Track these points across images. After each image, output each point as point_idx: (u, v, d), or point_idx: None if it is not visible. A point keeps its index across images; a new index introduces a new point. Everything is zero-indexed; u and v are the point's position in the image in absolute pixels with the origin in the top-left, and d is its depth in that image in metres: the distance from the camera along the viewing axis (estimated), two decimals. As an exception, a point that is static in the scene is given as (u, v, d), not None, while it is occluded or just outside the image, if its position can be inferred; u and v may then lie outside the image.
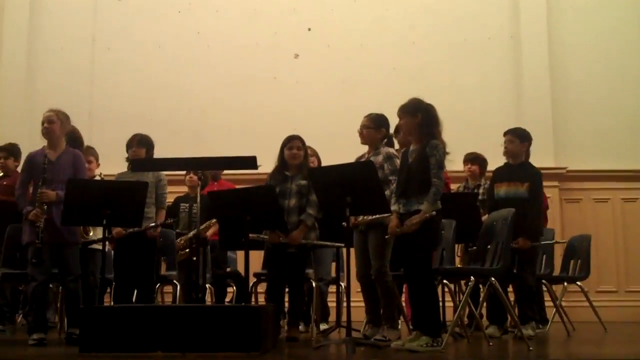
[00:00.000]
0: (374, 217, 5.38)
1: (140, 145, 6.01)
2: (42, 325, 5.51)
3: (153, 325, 4.58)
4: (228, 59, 9.43)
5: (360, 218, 5.49)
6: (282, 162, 5.86)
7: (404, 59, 9.37)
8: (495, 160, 6.76)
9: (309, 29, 9.50)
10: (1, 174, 7.13)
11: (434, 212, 4.79)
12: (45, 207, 5.40)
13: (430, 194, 4.78)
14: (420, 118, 4.94)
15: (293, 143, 5.83)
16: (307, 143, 6.50)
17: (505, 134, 6.29)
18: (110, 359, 4.33)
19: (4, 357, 4.82)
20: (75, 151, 5.71)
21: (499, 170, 6.35)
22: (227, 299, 7.34)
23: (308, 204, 5.71)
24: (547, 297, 6.79)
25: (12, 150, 7.21)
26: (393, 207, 5.01)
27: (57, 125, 5.58)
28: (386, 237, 5.09)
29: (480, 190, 6.87)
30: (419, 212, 4.77)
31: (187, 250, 6.47)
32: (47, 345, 5.35)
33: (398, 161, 5.45)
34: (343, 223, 5.12)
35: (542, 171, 6.37)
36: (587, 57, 9.43)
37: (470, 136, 8.06)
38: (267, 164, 5.88)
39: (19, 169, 7.12)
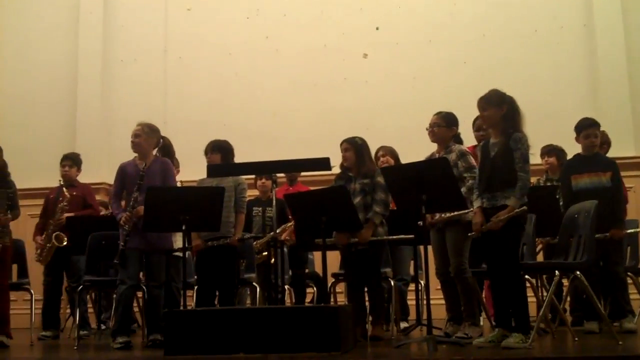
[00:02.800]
0: (451, 214, 5.33)
1: (214, 151, 6.13)
2: (127, 329, 5.67)
3: (235, 327, 4.64)
4: (297, 61, 9.49)
5: (437, 216, 5.45)
6: (342, 165, 5.95)
7: (475, 52, 9.25)
8: (573, 151, 6.62)
9: (377, 28, 9.48)
10: (62, 181, 7.29)
11: (524, 207, 4.70)
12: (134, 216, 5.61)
13: (517, 188, 4.71)
14: (506, 110, 4.88)
15: (341, 147, 5.92)
16: (379, 142, 6.51)
17: (592, 126, 6.13)
18: None
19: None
20: (164, 160, 5.93)
21: (572, 162, 6.23)
22: (307, 300, 7.37)
23: (374, 201, 5.72)
24: (632, 290, 6.59)
25: (75, 159, 7.41)
26: (476, 203, 4.94)
27: (142, 139, 5.81)
28: (470, 234, 5.03)
29: None
30: (506, 207, 4.71)
31: (265, 253, 6.52)
32: (132, 349, 5.48)
33: (471, 158, 5.40)
34: (419, 222, 5.09)
35: (623, 161, 6.24)
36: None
37: (545, 128, 7.87)
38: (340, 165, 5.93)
39: (79, 179, 7.35)
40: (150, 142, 5.89)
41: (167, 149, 6.23)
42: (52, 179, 9.21)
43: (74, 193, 7.13)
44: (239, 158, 6.24)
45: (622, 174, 6.27)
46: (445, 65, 9.28)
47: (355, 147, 5.88)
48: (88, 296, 7.26)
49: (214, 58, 9.67)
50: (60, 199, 7.11)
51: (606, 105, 8.75)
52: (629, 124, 8.81)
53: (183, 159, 7.16)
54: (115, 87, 9.81)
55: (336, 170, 5.89)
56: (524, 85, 8.62)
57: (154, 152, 5.97)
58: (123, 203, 5.84)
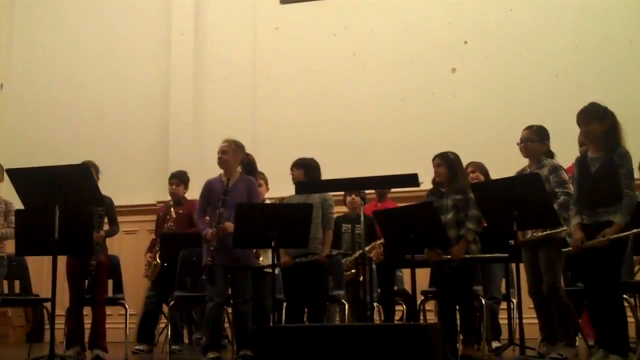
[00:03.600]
0: (544, 233, 5.20)
1: (297, 167, 6.17)
2: (217, 345, 5.75)
3: (324, 344, 4.62)
4: (385, 77, 9.44)
5: (529, 234, 5.32)
6: (434, 180, 5.89)
7: (566, 64, 9.01)
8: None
9: (465, 42, 9.37)
10: (171, 200, 7.49)
11: None
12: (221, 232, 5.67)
13: (625, 206, 4.59)
14: (608, 124, 4.74)
15: (433, 162, 5.86)
16: (468, 157, 6.41)
17: None
18: None
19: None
20: (249, 178, 6.02)
21: None
22: (396, 318, 7.31)
23: (467, 218, 5.64)
24: None
25: (182, 177, 7.58)
26: (574, 219, 4.81)
27: (229, 155, 5.91)
28: (565, 250, 4.88)
29: None
30: (609, 224, 4.57)
31: (353, 270, 6.50)
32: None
33: (564, 173, 5.27)
34: (510, 241, 4.99)
35: None
36: None
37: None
38: (427, 180, 5.85)
39: (187, 196, 7.50)
40: (237, 158, 6.00)
41: (250, 166, 6.32)
42: (146, 196, 9.56)
43: (180, 211, 7.30)
44: (328, 174, 6.27)
45: None
46: (536, 78, 9.06)
47: (447, 162, 5.82)
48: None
49: (302, 75, 9.73)
50: (168, 217, 7.31)
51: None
52: None
53: (271, 176, 7.24)
54: (205, 105, 9.99)
55: (427, 185, 5.83)
56: (619, 98, 8.22)
57: (239, 168, 6.06)
58: (207, 219, 5.94)
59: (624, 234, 4.56)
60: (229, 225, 5.64)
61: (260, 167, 6.83)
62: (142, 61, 10.23)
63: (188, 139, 9.83)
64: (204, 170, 8.28)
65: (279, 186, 7.07)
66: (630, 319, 5.77)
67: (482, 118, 9.03)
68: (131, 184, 9.64)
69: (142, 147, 10.01)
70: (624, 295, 5.26)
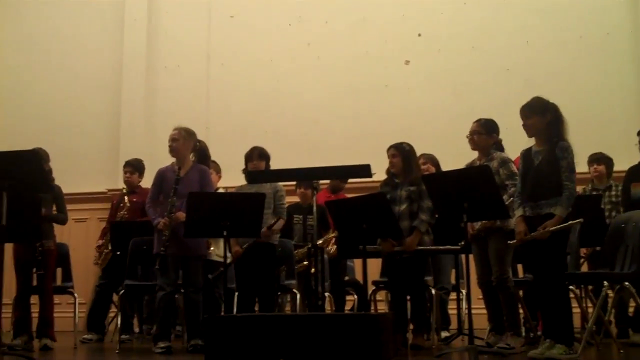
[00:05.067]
0: (493, 223, 5.27)
1: (260, 158, 6.16)
2: (167, 334, 5.71)
3: (275, 333, 4.64)
4: (339, 68, 9.46)
5: (478, 225, 5.39)
6: (388, 171, 5.93)
7: (518, 59, 9.12)
8: (620, 159, 6.51)
9: (419, 35, 9.42)
10: (125, 189, 7.43)
11: (580, 220, 4.64)
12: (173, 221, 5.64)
13: (564, 198, 4.66)
14: (550, 118, 4.82)
15: (388, 152, 5.91)
16: (420, 149, 6.45)
17: None
18: None
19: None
20: (202, 167, 5.97)
21: (636, 168, 6.10)
22: (347, 307, 7.34)
23: (420, 209, 5.70)
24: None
25: (137, 165, 7.50)
26: (518, 212, 4.88)
27: (180, 143, 5.86)
28: (510, 242, 4.96)
29: (613, 192, 6.61)
30: (550, 216, 4.65)
31: (306, 262, 6.51)
32: (173, 353, 5.51)
33: (513, 166, 5.34)
34: (461, 243, 5.05)
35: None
36: None
37: (591, 136, 7.76)
38: (381, 172, 5.90)
39: (141, 184, 7.43)
40: (188, 146, 5.96)
41: (202, 153, 6.27)
42: (97, 184, 9.45)
43: (135, 200, 7.22)
44: (280, 165, 6.25)
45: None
46: (488, 72, 9.17)
47: (402, 153, 5.86)
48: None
49: (256, 65, 9.68)
50: (121, 205, 7.23)
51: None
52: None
53: (225, 165, 7.21)
54: (158, 93, 9.89)
55: (379, 177, 5.87)
56: (569, 93, 8.47)
57: (191, 156, 6.02)
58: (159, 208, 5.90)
59: (563, 225, 4.64)
60: (181, 215, 5.61)
61: (214, 156, 6.80)
62: (94, 47, 10.08)
63: (140, 126, 9.73)
64: (156, 158, 8.22)
65: (232, 175, 7.04)
66: (577, 310, 5.90)
67: (434, 110, 9.10)
68: (82, 171, 9.53)
69: (93, 135, 9.88)
70: (571, 287, 5.37)
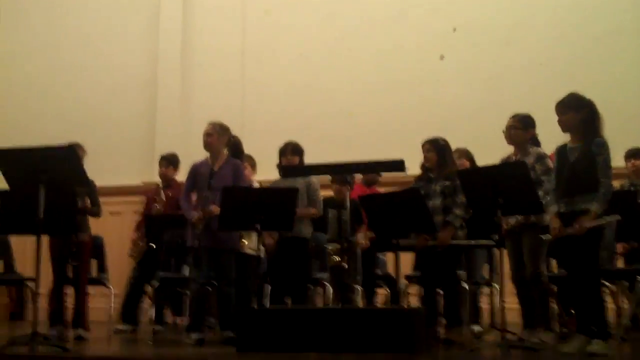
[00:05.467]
0: (527, 218, 5.24)
1: (294, 153, 6.20)
2: (200, 326, 5.77)
3: (307, 326, 4.67)
4: (373, 63, 9.42)
5: (513, 221, 5.36)
6: (423, 165, 5.93)
7: (552, 53, 9.01)
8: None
9: (454, 29, 9.37)
10: (161, 183, 7.50)
11: (617, 216, 4.64)
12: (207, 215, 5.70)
13: (600, 194, 4.63)
14: (585, 114, 4.78)
15: (423, 147, 5.89)
16: (455, 144, 6.43)
17: None
18: (266, 359, 4.39)
19: (166, 356, 5.09)
20: (236, 161, 6.03)
21: None
22: (379, 301, 7.34)
23: (454, 204, 5.68)
24: None
25: (172, 160, 7.56)
26: (552, 208, 4.86)
27: (214, 138, 5.93)
28: (544, 237, 4.93)
29: None
30: (586, 212, 4.62)
31: (338, 258, 6.51)
32: (205, 345, 5.57)
33: (549, 161, 5.30)
34: (495, 235, 5.03)
35: None
36: None
37: (627, 131, 7.65)
38: (415, 166, 5.90)
39: (176, 178, 7.50)
40: (222, 140, 6.01)
41: (236, 147, 6.32)
42: (132, 177, 9.55)
43: (170, 194, 7.28)
44: (314, 159, 6.27)
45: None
46: (523, 66, 9.09)
47: (437, 147, 5.85)
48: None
49: (291, 60, 9.70)
50: (157, 199, 7.31)
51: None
52: None
53: (260, 160, 7.24)
54: (193, 90, 9.97)
55: (414, 172, 5.86)
56: (604, 86, 8.36)
57: (225, 151, 6.06)
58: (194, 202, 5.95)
59: (599, 221, 4.60)
60: (215, 209, 5.65)
61: (248, 150, 6.84)
62: (130, 44, 10.20)
63: (175, 121, 9.82)
64: (191, 152, 8.28)
65: (267, 170, 7.07)
66: (612, 306, 5.86)
67: (469, 105, 9.03)
68: (117, 165, 9.66)
69: (129, 130, 10.00)
70: (606, 283, 5.33)
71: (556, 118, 4.96)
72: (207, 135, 5.97)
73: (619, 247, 6.22)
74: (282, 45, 9.78)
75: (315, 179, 6.23)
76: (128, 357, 5.00)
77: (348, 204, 5.77)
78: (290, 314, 4.89)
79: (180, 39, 10.01)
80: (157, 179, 7.85)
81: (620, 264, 6.29)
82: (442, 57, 9.36)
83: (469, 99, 9.07)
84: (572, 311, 5.60)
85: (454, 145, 6.43)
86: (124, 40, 10.24)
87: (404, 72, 9.32)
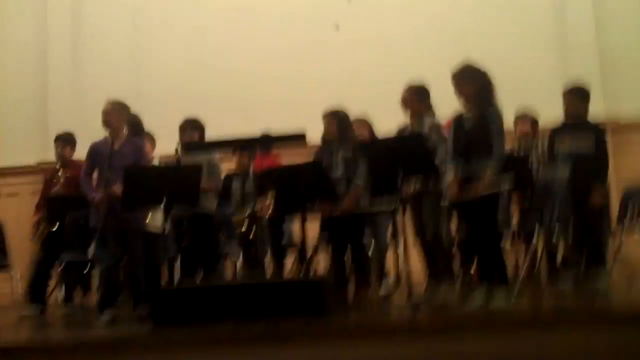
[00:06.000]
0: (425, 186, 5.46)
1: (194, 129, 6.18)
2: (111, 305, 5.74)
3: (220, 302, 4.73)
4: (269, 33, 9.43)
5: (412, 188, 5.56)
6: (325, 137, 6.06)
7: (447, 21, 9.25)
8: (544, 116, 6.75)
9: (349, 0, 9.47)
10: (59, 164, 7.31)
11: (507, 180, 4.85)
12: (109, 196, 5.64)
13: (494, 160, 4.84)
14: (480, 84, 4.95)
15: (323, 119, 6.01)
16: (353, 112, 6.56)
17: (565, 94, 6.13)
18: (182, 334, 4.42)
19: (81, 336, 5.07)
20: (137, 140, 5.98)
21: (559, 127, 6.22)
22: (287, 269, 7.45)
23: (356, 174, 5.82)
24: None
25: (68, 139, 7.37)
26: (450, 174, 5.04)
27: (113, 117, 5.81)
28: (443, 204, 5.15)
29: (539, 148, 6.83)
30: (483, 178, 4.82)
31: (244, 228, 6.59)
32: (118, 323, 5.53)
33: (444, 130, 5.51)
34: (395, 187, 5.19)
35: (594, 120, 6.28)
36: (634, 2, 9.22)
37: (516, 94, 7.93)
38: (316, 135, 6.03)
39: (74, 158, 7.34)
40: (121, 119, 5.92)
41: (136, 125, 6.24)
42: (26, 157, 9.28)
43: (68, 175, 7.10)
44: (216, 131, 6.28)
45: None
46: (418, 35, 9.28)
47: (338, 119, 5.96)
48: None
49: (186, 33, 9.59)
50: (55, 180, 7.12)
51: (575, 69, 8.79)
52: (597, 87, 8.86)
53: (158, 132, 7.16)
54: (86, 62, 9.73)
55: (314, 141, 5.96)
56: (494, 53, 8.63)
57: (124, 129, 5.99)
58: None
59: (493, 189, 4.83)
60: (117, 189, 5.59)
61: (147, 123, 6.75)
62: (17, 16, 9.83)
63: (68, 96, 9.57)
64: (87, 127, 8.15)
65: (166, 142, 7.03)
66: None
67: (367, 75, 9.17)
68: (10, 145, 9.34)
69: (20, 108, 9.67)
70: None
71: (452, 86, 5.13)
72: (106, 114, 5.87)
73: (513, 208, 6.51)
74: (176, 18, 9.64)
75: (216, 155, 6.23)
76: (42, 344, 4.87)
77: (251, 174, 5.82)
78: (202, 292, 4.94)
79: (70, 12, 9.71)
80: (52, 157, 7.65)
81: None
82: (337, 27, 9.44)
83: (366, 68, 9.21)
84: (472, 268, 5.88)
85: (353, 113, 6.57)
86: (8, 9, 9.84)
87: (300, 43, 9.36)
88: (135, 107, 6.71)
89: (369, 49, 9.29)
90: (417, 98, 5.66)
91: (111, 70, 9.52)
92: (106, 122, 5.86)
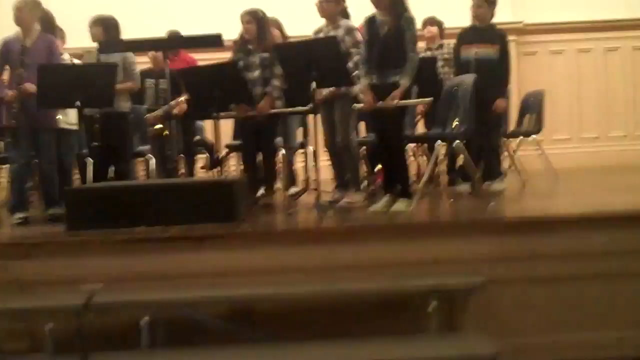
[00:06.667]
0: (339, 89, 5.60)
1: (96, 25, 6.08)
2: (24, 205, 5.77)
3: (135, 201, 4.82)
4: None
5: (325, 91, 5.70)
6: (242, 37, 6.05)
7: None
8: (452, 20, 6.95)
9: None
10: None
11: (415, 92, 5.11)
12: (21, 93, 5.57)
13: (408, 68, 4.95)
14: None
15: (241, 19, 6.00)
16: (270, 14, 6.58)
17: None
18: (96, 236, 4.49)
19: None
20: (49, 37, 5.86)
21: (465, 32, 6.40)
22: (199, 166, 7.57)
23: (273, 75, 5.92)
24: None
25: None
26: (364, 80, 5.13)
27: (25, 12, 5.66)
28: (356, 106, 5.30)
29: (445, 51, 7.05)
30: (395, 84, 4.95)
31: (159, 126, 6.62)
32: (30, 223, 5.58)
33: (358, 34, 5.60)
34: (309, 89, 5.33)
35: (500, 25, 6.49)
36: None
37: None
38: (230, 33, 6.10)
39: None
40: (33, 15, 5.77)
41: (48, 22, 6.11)
42: None
43: None
44: (133, 33, 6.22)
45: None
46: None
47: (257, 20, 5.98)
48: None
49: None
50: None
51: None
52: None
53: (69, 27, 7.01)
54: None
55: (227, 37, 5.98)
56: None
57: (37, 26, 5.87)
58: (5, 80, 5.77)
59: (408, 102, 5.06)
60: (30, 86, 5.53)
61: (58, 15, 6.58)
62: None
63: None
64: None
65: (77, 38, 6.91)
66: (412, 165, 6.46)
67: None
68: None
69: None
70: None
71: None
72: (18, 10, 5.70)
73: (419, 109, 6.77)
74: None
75: (131, 54, 6.19)
76: None
77: (167, 73, 5.83)
78: (117, 191, 5.02)
79: None
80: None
81: (420, 126, 6.88)
82: None
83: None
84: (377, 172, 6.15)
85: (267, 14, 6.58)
86: None
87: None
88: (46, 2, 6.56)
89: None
90: (333, 0, 5.70)
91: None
92: (18, 19, 5.70)
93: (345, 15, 5.87)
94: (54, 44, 5.84)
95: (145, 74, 6.93)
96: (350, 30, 5.66)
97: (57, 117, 6.00)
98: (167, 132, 6.33)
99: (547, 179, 7.23)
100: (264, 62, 5.95)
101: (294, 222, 5.23)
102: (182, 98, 6.67)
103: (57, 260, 4.30)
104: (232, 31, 6.22)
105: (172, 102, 6.38)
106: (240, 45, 6.08)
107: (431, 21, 7.22)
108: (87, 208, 4.83)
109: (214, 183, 5.28)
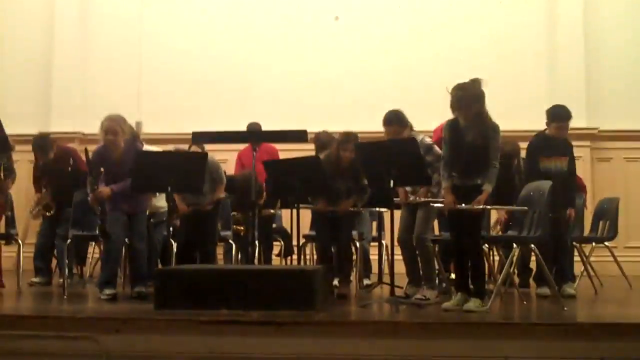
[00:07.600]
0: (426, 199, 5.83)
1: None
2: (113, 282, 6.03)
3: (220, 285, 5.05)
4: (269, 27, 9.79)
5: (411, 198, 5.94)
6: (337, 157, 6.27)
7: (441, 20, 9.64)
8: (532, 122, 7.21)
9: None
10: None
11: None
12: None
13: (491, 175, 5.16)
14: (482, 103, 5.19)
15: (347, 146, 6.21)
16: (347, 106, 6.90)
17: (568, 119, 6.46)
18: (182, 315, 4.69)
19: (88, 312, 5.38)
20: (135, 146, 6.11)
21: (539, 142, 6.56)
22: (275, 252, 7.78)
23: (359, 187, 6.25)
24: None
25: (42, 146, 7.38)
26: (446, 182, 5.28)
27: (120, 137, 5.96)
28: (437, 206, 5.57)
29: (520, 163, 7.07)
30: (476, 186, 5.16)
31: (242, 227, 7.01)
32: (118, 300, 5.80)
33: (437, 148, 5.82)
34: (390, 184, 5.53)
35: (575, 131, 6.81)
36: (622, 16, 9.61)
37: (503, 99, 8.23)
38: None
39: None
40: (124, 135, 6.02)
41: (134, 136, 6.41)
42: (30, 126, 9.45)
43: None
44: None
45: (573, 143, 6.73)
46: (413, 32, 9.64)
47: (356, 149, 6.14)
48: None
49: (191, 16, 9.92)
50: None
51: (561, 77, 9.33)
52: (581, 96, 9.24)
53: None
54: (91, 39, 9.97)
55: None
56: (485, 55, 9.09)
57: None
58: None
59: (501, 207, 5.52)
60: (105, 190, 5.85)
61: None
62: (24, 22, 10.06)
63: (72, 67, 9.83)
64: (87, 99, 8.41)
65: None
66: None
67: (363, 68, 9.49)
68: (12, 113, 9.52)
69: (24, 77, 9.94)
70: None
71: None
72: (114, 134, 5.92)
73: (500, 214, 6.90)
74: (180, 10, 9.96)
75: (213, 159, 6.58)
76: (46, 314, 5.16)
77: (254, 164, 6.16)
78: (203, 273, 5.29)
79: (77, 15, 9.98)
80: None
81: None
82: (337, 18, 9.75)
83: (364, 61, 9.52)
84: (452, 271, 6.27)
85: (346, 107, 6.84)
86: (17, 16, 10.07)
87: (299, 33, 9.71)
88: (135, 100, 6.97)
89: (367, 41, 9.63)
90: (398, 126, 5.89)
91: (115, 43, 9.82)
92: (111, 141, 5.95)
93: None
94: (135, 146, 6.14)
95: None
96: (428, 149, 5.85)
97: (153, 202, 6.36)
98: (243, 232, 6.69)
99: (620, 286, 7.21)
100: (349, 184, 6.25)
101: (368, 314, 5.36)
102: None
103: (145, 337, 4.53)
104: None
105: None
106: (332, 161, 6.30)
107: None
108: (175, 288, 5.09)
109: (295, 271, 5.47)
